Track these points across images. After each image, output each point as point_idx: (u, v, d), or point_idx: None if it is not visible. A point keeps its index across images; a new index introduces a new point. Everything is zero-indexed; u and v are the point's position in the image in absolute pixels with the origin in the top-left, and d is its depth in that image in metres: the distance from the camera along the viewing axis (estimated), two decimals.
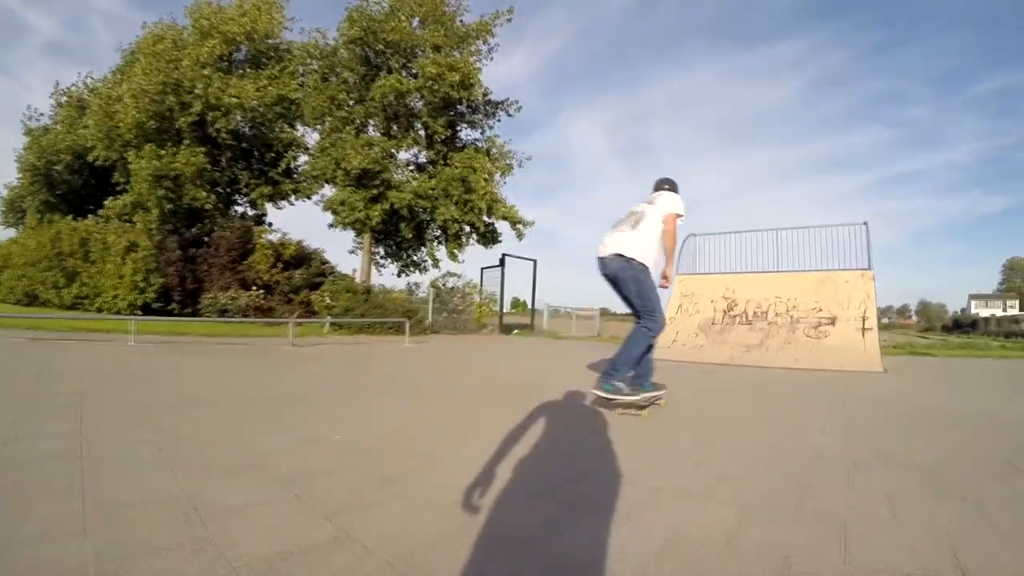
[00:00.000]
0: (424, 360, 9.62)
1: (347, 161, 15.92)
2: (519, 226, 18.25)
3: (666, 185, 5.20)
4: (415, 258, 20.77)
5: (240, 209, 20.81)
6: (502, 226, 19.25)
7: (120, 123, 17.23)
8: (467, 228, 18.40)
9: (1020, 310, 79.60)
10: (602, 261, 4.76)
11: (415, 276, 20.49)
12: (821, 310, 10.76)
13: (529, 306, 21.44)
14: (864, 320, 10.39)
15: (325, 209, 17.89)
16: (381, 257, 20.85)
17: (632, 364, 4.75)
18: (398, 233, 18.90)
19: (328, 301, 16.17)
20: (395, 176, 17.18)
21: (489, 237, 19.30)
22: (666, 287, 4.99)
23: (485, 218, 18.16)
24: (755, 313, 11.30)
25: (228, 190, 19.93)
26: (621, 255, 4.60)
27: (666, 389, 5.04)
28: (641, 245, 4.63)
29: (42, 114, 25.09)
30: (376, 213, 16.78)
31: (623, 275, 4.67)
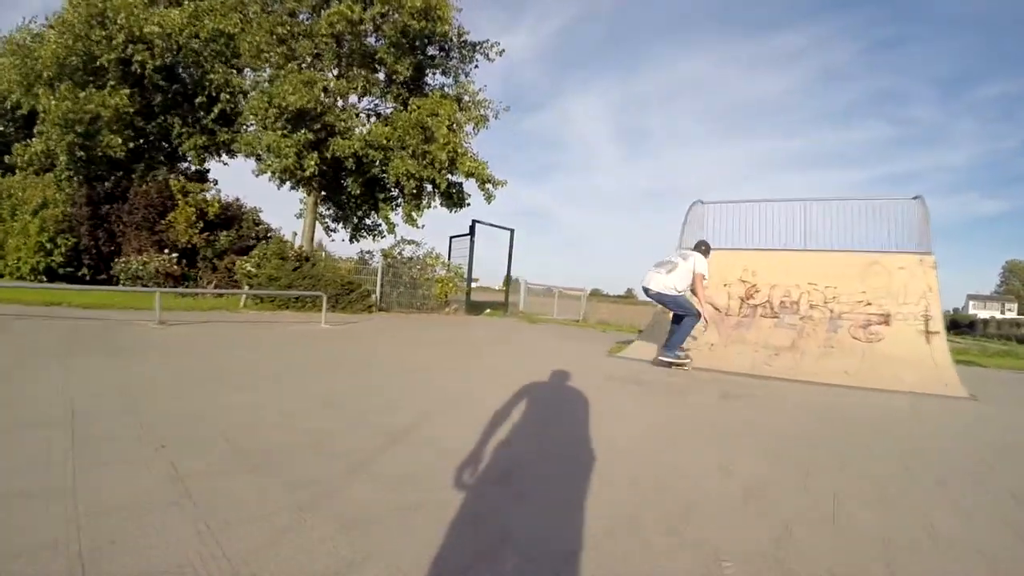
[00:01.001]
0: (316, 353, 6.91)
1: (281, 98, 12.96)
2: (488, 186, 15.38)
3: (702, 247, 8.06)
4: (368, 222, 17.87)
5: (183, 165, 17.74)
6: (470, 187, 16.40)
7: (39, 59, 14.22)
8: (428, 187, 15.51)
9: (1019, 313, 78.33)
10: (646, 290, 7.74)
11: (369, 243, 17.68)
12: (870, 304, 8.19)
13: (506, 283, 18.63)
14: (927, 320, 7.81)
15: (248, 155, 14.87)
16: (332, 221, 17.98)
17: (674, 346, 7.44)
18: (344, 190, 16.01)
19: (249, 268, 13.36)
20: (342, 122, 14.15)
21: (454, 199, 16.45)
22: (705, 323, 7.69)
23: (449, 175, 15.21)
24: (783, 303, 8.69)
25: (160, 141, 16.83)
26: (660, 293, 7.54)
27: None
28: (672, 283, 7.50)
29: None
30: (312, 162, 13.87)
31: (664, 300, 7.67)
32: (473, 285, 18.79)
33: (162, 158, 17.04)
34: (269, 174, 14.42)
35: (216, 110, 14.89)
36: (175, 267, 14.06)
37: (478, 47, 16.83)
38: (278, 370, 5.51)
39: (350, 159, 14.27)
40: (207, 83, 14.85)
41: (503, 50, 17.05)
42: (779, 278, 8.81)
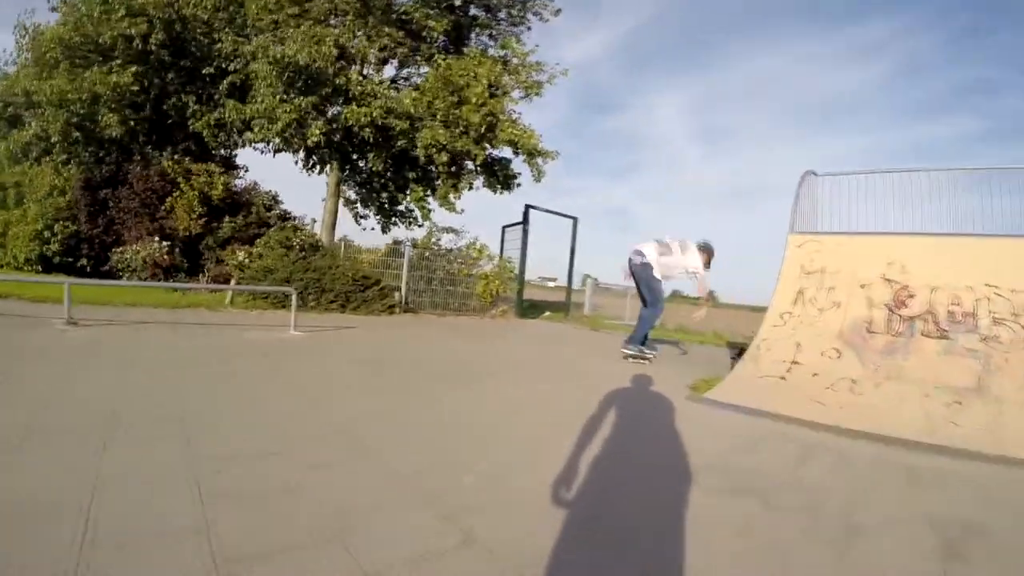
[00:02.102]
0: (224, 387, 4.41)
1: (283, 56, 10.89)
2: (536, 159, 12.69)
3: (703, 250, 7.63)
4: (400, 208, 15.58)
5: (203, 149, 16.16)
6: (520, 165, 13.80)
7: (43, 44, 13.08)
8: (468, 164, 13.05)
9: None
10: (630, 260, 7.53)
11: (403, 232, 15.42)
12: None
13: (567, 281, 15.81)
14: None
15: (243, 122, 12.80)
16: (362, 206, 15.85)
17: (636, 339, 7.40)
18: (366, 166, 13.82)
19: (241, 259, 11.39)
20: (359, 87, 11.89)
21: (499, 176, 13.86)
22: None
23: (488, 148, 12.65)
24: (951, 314, 5.63)
25: (178, 122, 15.26)
26: (643, 262, 7.38)
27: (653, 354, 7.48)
28: (659, 263, 7.37)
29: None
30: (317, 131, 11.69)
31: (640, 274, 7.46)
32: (551, 285, 16.31)
33: (178, 140, 15.45)
34: (263, 144, 12.32)
35: (226, 83, 13.00)
36: (164, 257, 12.31)
37: (529, 4, 14.19)
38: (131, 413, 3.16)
39: (367, 128, 11.99)
40: (216, 54, 13.01)
41: (559, 9, 14.35)
42: (941, 276, 5.80)
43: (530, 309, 15.86)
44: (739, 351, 9.13)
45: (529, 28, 14.43)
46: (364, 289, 11.19)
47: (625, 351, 7.43)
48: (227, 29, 12.57)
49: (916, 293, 5.83)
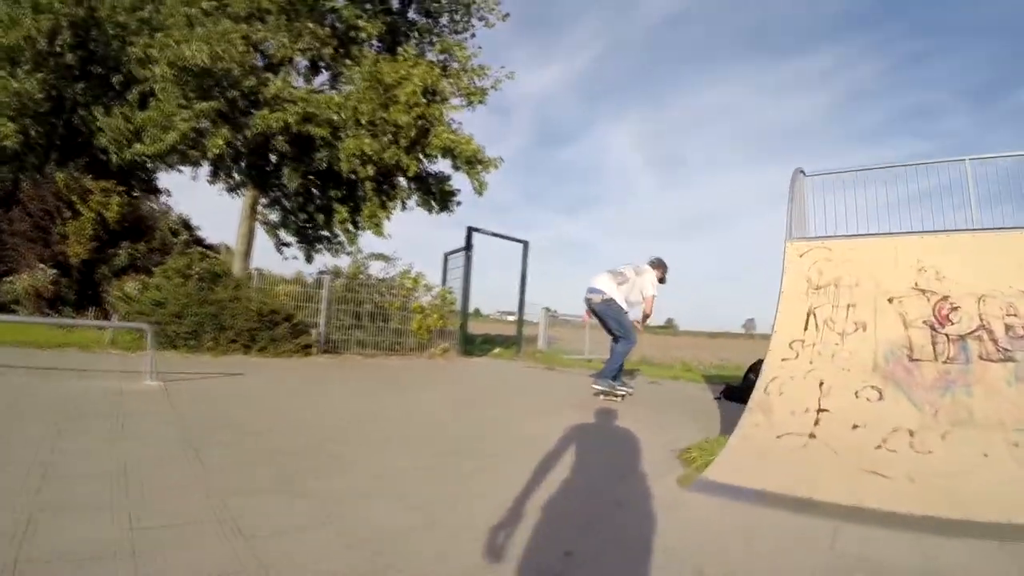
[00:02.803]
0: None
1: (178, 51, 9.14)
2: (477, 168, 11.12)
3: (656, 266, 7.34)
4: (324, 231, 13.70)
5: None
6: (461, 181, 12.21)
7: None
8: (400, 180, 11.38)
9: None
10: (589, 300, 7.00)
11: (328, 260, 13.53)
12: None
13: (515, 310, 14.08)
14: None
15: (133, 132, 10.87)
16: (287, 232, 13.92)
17: (607, 374, 6.83)
18: (280, 183, 12.03)
19: (127, 290, 9.49)
20: (269, 89, 10.14)
21: (434, 192, 12.20)
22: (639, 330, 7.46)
23: (422, 159, 11.01)
24: (1009, 328, 4.19)
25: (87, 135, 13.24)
26: (604, 299, 6.85)
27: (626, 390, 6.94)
28: (619, 295, 6.89)
29: None
30: (220, 140, 9.92)
31: (605, 311, 6.92)
32: (510, 319, 14.66)
33: (89, 157, 13.39)
34: (150, 155, 10.39)
35: (136, 91, 11.11)
36: (48, 287, 10.31)
37: (473, 7, 12.81)
38: None
39: (280, 137, 10.26)
40: (126, 58, 11.13)
41: (507, 14, 13.02)
42: (988, 281, 4.42)
43: (483, 344, 14.13)
44: (726, 389, 7.58)
45: (473, 35, 13.04)
46: (273, 326, 9.32)
47: (595, 387, 6.83)
48: (144, 31, 10.67)
49: (960, 304, 4.39)
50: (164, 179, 14.66)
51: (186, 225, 13.80)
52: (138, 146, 10.18)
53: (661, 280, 7.36)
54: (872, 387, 4.17)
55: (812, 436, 3.77)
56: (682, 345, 26.48)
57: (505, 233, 12.99)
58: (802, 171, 6.33)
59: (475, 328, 18.56)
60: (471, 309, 13.84)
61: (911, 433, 3.64)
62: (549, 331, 15.51)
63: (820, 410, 4.00)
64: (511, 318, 14.86)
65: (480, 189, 11.48)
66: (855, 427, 3.81)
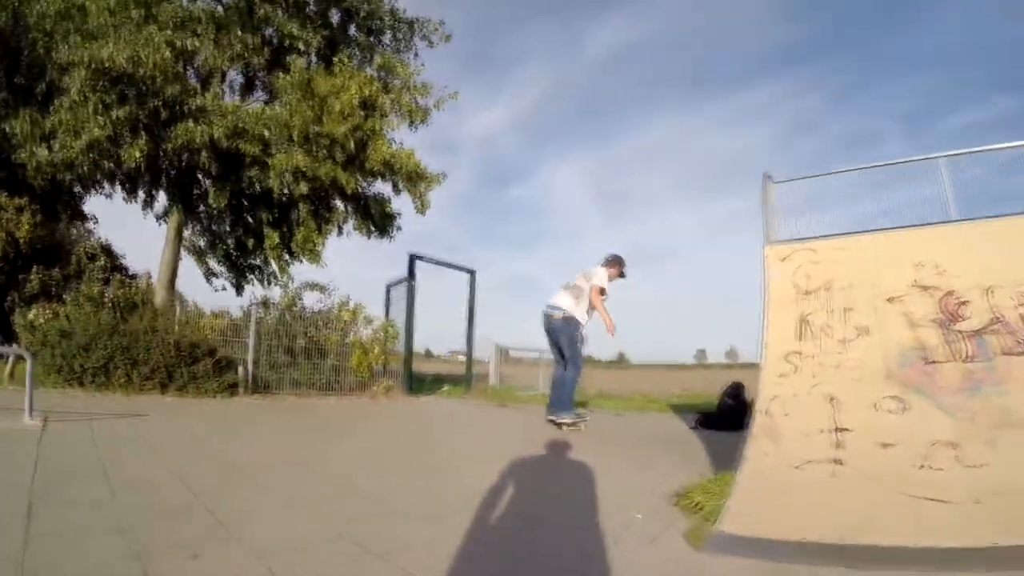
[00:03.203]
0: None
1: (97, 52, 8.23)
2: (419, 185, 10.37)
3: (610, 263, 6.94)
4: (255, 259, 12.62)
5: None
6: (400, 203, 11.43)
7: None
8: (335, 201, 10.52)
9: None
10: (548, 317, 6.70)
11: (259, 292, 12.39)
12: None
13: (466, 347, 13.17)
14: None
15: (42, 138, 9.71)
16: (215, 261, 12.77)
17: (567, 404, 6.47)
18: (207, 204, 10.96)
19: (33, 318, 8.33)
20: (195, 99, 9.23)
21: (372, 216, 11.34)
22: (612, 333, 6.79)
23: (358, 176, 10.16)
24: None
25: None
26: (565, 316, 6.55)
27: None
28: (579, 309, 6.58)
29: None
30: (136, 152, 8.95)
31: (562, 329, 6.56)
32: (461, 359, 13.78)
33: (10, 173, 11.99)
34: (58, 163, 9.24)
35: (58, 102, 9.93)
36: None
37: (416, 26, 12.27)
38: None
39: (203, 153, 9.30)
40: (49, 65, 10.00)
41: (449, 35, 12.53)
42: (994, 272, 3.90)
43: (431, 383, 13.14)
44: (701, 417, 6.89)
45: (416, 55, 12.42)
46: (193, 362, 8.24)
47: (559, 420, 6.38)
48: (71, 37, 9.58)
49: (968, 298, 3.85)
50: (93, 205, 13.31)
51: (107, 251, 12.52)
52: (43, 152, 9.05)
53: (620, 275, 7.02)
54: (891, 397, 3.54)
55: (838, 462, 3.07)
56: (637, 378, 25.82)
57: (451, 261, 12.18)
58: (769, 176, 5.83)
59: (425, 367, 17.58)
60: (421, 349, 12.97)
61: (953, 445, 3.00)
62: (501, 369, 14.67)
63: (838, 429, 3.32)
64: (462, 358, 13.95)
65: (422, 208, 10.75)
66: (886, 446, 3.14)
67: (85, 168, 9.22)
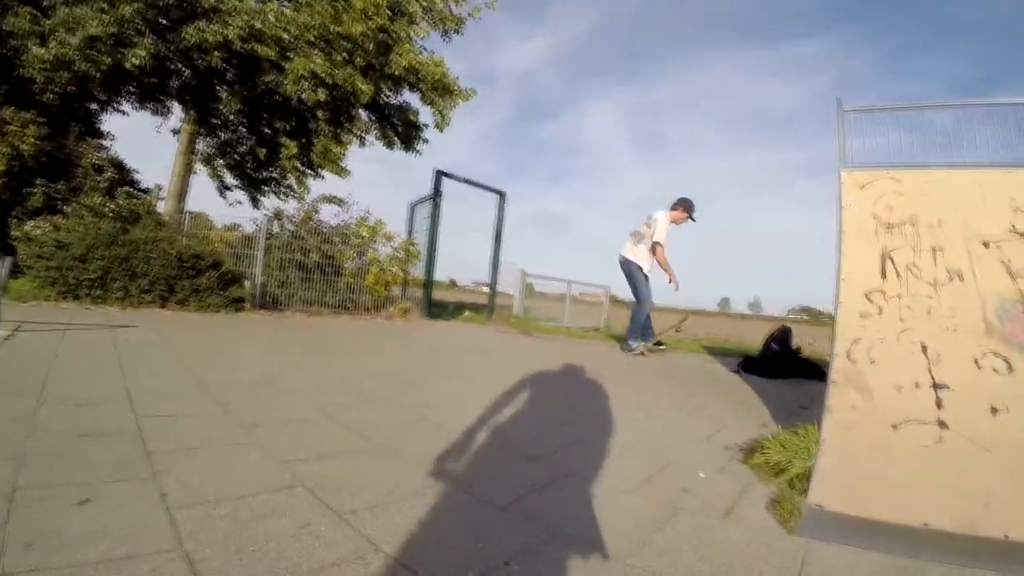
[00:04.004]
0: None
1: None
2: (445, 98, 9.54)
3: (676, 206, 7.47)
4: (269, 172, 11.99)
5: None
6: (427, 116, 10.59)
7: None
8: (357, 110, 9.75)
9: None
10: (620, 262, 7.49)
11: (276, 205, 11.84)
12: None
13: (490, 275, 12.57)
14: None
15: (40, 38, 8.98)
16: (232, 174, 12.22)
17: (633, 334, 7.35)
18: (219, 115, 10.30)
19: (27, 230, 7.88)
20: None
21: (395, 125, 10.58)
22: (675, 285, 7.47)
23: (380, 83, 9.33)
24: None
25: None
26: (628, 260, 7.34)
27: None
28: (640, 255, 7.28)
29: None
30: (142, 51, 8.29)
31: (628, 273, 7.41)
32: (485, 290, 13.26)
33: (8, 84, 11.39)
34: (52, 60, 8.60)
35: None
36: None
37: None
38: None
39: (216, 54, 8.58)
40: None
41: None
42: None
43: (452, 310, 12.71)
44: (744, 361, 6.29)
45: None
46: (196, 274, 7.81)
47: (625, 348, 7.45)
48: None
49: None
50: (112, 126, 12.71)
51: (117, 165, 12.03)
52: (37, 50, 8.42)
53: (689, 219, 7.47)
54: (994, 353, 2.89)
55: (942, 424, 2.46)
56: (659, 319, 24.95)
57: (480, 182, 11.44)
58: (843, 104, 4.98)
59: (448, 297, 17.12)
60: (444, 278, 12.42)
61: None
62: (525, 302, 14.14)
63: (936, 385, 2.69)
64: (486, 289, 13.38)
65: (442, 122, 9.95)
66: (995, 411, 2.52)
67: (83, 67, 8.55)
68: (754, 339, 11.31)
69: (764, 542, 1.77)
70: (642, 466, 2.45)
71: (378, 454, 2.29)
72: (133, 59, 8.50)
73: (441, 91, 9.86)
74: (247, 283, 8.42)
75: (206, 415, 2.61)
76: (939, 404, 2.55)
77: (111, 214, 8.22)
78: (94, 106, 11.53)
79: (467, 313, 12.39)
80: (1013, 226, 3.34)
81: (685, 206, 7.42)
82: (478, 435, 2.66)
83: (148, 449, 2.02)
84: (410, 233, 11.41)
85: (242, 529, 1.48)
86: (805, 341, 7.19)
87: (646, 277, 7.35)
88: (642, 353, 7.14)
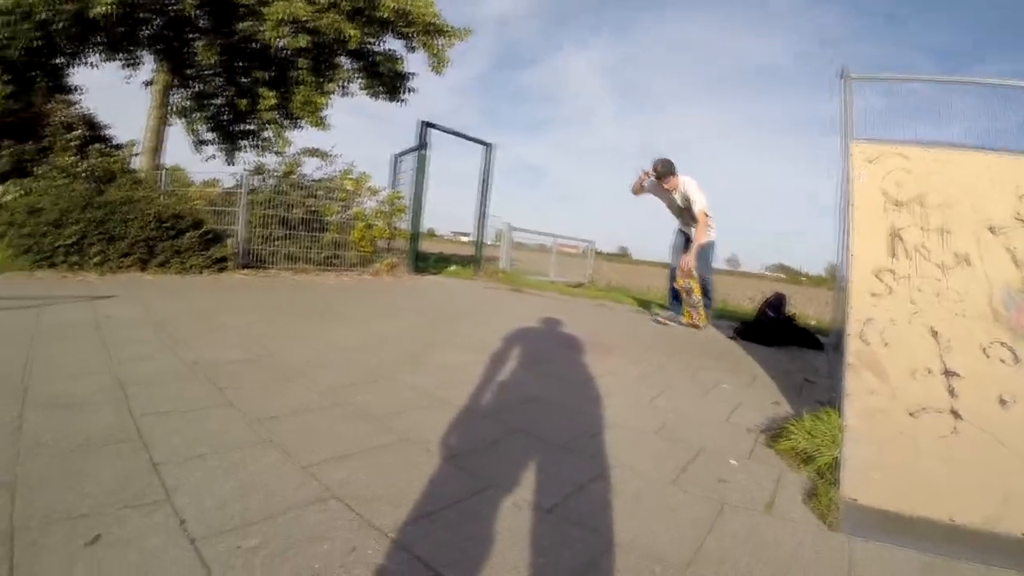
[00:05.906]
0: None
1: None
2: (437, 40, 9.19)
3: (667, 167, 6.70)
4: (246, 124, 11.55)
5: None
6: (414, 63, 10.22)
7: None
8: (340, 59, 9.34)
9: None
10: (701, 246, 6.57)
11: (253, 159, 11.45)
12: None
13: (476, 227, 12.39)
14: None
15: None
16: (206, 129, 11.73)
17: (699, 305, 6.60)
18: (194, 65, 9.80)
19: None
20: None
21: (381, 75, 10.18)
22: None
23: (364, 28, 8.92)
24: None
25: None
26: (681, 231, 7.04)
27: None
28: (701, 232, 6.57)
29: None
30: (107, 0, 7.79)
31: (703, 252, 6.65)
32: (464, 240, 13.01)
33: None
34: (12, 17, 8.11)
35: None
36: None
37: None
38: None
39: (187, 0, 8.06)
40: None
41: None
42: None
43: (436, 262, 12.56)
44: (740, 327, 6.29)
45: None
46: (177, 235, 7.55)
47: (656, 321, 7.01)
48: None
49: None
50: (81, 79, 11.91)
51: (87, 122, 11.48)
52: None
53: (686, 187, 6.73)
54: (1001, 344, 2.89)
55: (956, 414, 2.48)
56: (643, 274, 24.85)
57: (466, 133, 11.13)
58: (849, 74, 4.84)
59: (429, 247, 16.97)
60: (424, 228, 12.20)
61: None
62: (511, 252, 14.02)
63: (948, 372, 2.70)
64: (465, 239, 13.17)
65: (439, 65, 9.62)
66: (1003, 402, 2.54)
67: (45, 15, 7.99)
68: (739, 298, 11.45)
69: (812, 543, 1.77)
70: (673, 453, 2.45)
71: (405, 449, 2.21)
72: (98, 7, 7.94)
73: (433, 33, 9.42)
74: (229, 242, 8.17)
75: (208, 407, 2.51)
76: (952, 392, 2.56)
77: (84, 174, 7.90)
78: (61, 59, 10.91)
79: (453, 267, 12.29)
80: (1018, 213, 3.31)
81: (665, 166, 6.80)
82: (504, 420, 2.64)
83: (154, 460, 1.92)
84: (393, 185, 11.14)
85: (281, 563, 1.40)
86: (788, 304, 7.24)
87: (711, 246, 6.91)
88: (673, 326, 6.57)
